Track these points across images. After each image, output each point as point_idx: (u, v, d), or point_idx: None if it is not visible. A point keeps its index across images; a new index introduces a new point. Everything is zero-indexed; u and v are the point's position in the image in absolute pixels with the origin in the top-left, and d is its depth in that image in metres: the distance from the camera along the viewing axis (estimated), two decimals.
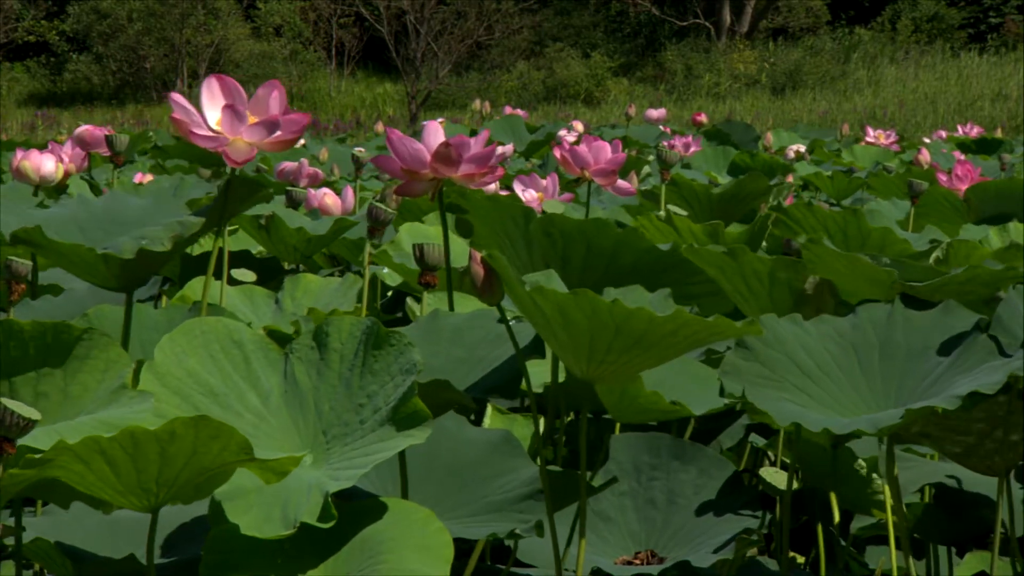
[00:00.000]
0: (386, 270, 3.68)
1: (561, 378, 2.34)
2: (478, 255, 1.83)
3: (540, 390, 2.42)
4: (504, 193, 4.59)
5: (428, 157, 2.29)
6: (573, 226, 2.56)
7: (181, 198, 2.64)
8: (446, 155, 2.28)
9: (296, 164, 5.82)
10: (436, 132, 2.33)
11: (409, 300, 3.43)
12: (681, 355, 1.87)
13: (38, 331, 1.84)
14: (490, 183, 2.38)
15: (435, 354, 2.17)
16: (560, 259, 2.64)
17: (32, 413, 1.55)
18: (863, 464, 2.44)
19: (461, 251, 3.59)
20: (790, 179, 4.52)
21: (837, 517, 2.49)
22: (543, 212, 3.96)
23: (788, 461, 2.59)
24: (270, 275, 3.97)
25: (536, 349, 2.10)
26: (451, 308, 2.47)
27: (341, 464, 1.77)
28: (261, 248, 4.16)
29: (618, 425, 2.77)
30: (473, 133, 2.44)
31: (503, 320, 1.89)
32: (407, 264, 3.41)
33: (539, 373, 2.41)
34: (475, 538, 1.99)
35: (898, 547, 2.66)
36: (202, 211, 2.35)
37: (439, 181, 2.33)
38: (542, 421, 2.43)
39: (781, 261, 2.34)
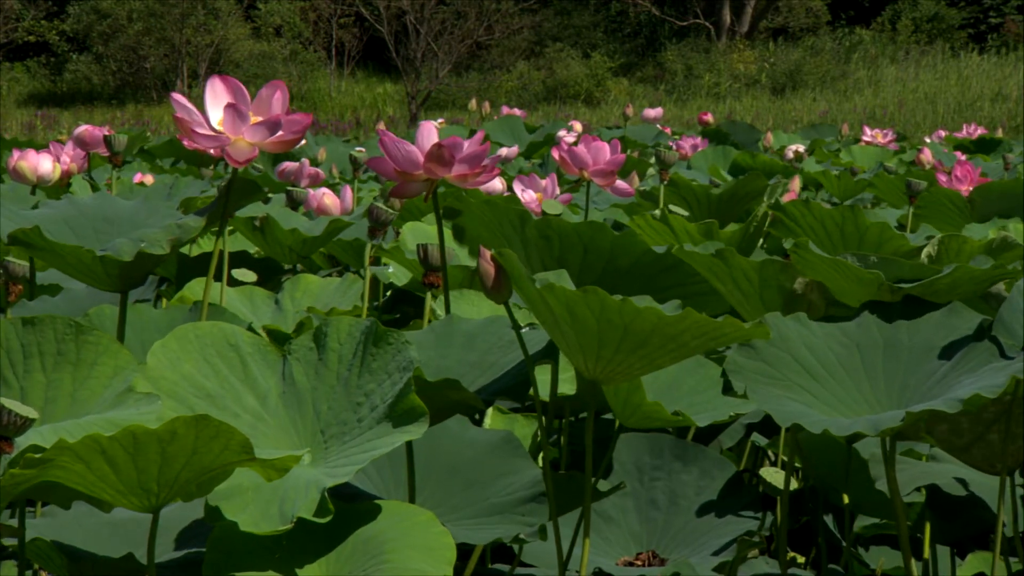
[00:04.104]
0: (391, 269, 3.66)
1: (562, 379, 2.33)
2: (488, 253, 1.83)
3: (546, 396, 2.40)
4: (508, 194, 4.59)
5: (421, 158, 2.29)
6: (570, 229, 2.55)
7: (175, 198, 2.63)
8: (439, 156, 2.28)
9: (297, 164, 5.81)
10: (429, 133, 2.33)
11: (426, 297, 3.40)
12: (690, 356, 1.86)
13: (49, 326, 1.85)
14: (484, 183, 2.38)
15: (447, 357, 2.17)
16: (557, 262, 2.63)
17: (30, 412, 1.54)
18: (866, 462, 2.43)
19: (457, 253, 3.58)
20: (796, 179, 4.52)
21: (845, 516, 2.49)
22: (543, 213, 3.96)
23: (787, 459, 2.58)
24: (268, 275, 3.96)
25: (549, 355, 2.09)
26: (447, 307, 2.47)
27: (339, 462, 1.77)
28: (258, 248, 4.15)
29: (617, 422, 2.76)
30: (472, 134, 2.43)
31: (510, 317, 1.88)
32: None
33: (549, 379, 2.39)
34: (479, 542, 1.98)
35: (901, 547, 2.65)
36: (202, 212, 2.34)
37: (433, 182, 2.33)
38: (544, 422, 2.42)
39: (769, 263, 2.33)
